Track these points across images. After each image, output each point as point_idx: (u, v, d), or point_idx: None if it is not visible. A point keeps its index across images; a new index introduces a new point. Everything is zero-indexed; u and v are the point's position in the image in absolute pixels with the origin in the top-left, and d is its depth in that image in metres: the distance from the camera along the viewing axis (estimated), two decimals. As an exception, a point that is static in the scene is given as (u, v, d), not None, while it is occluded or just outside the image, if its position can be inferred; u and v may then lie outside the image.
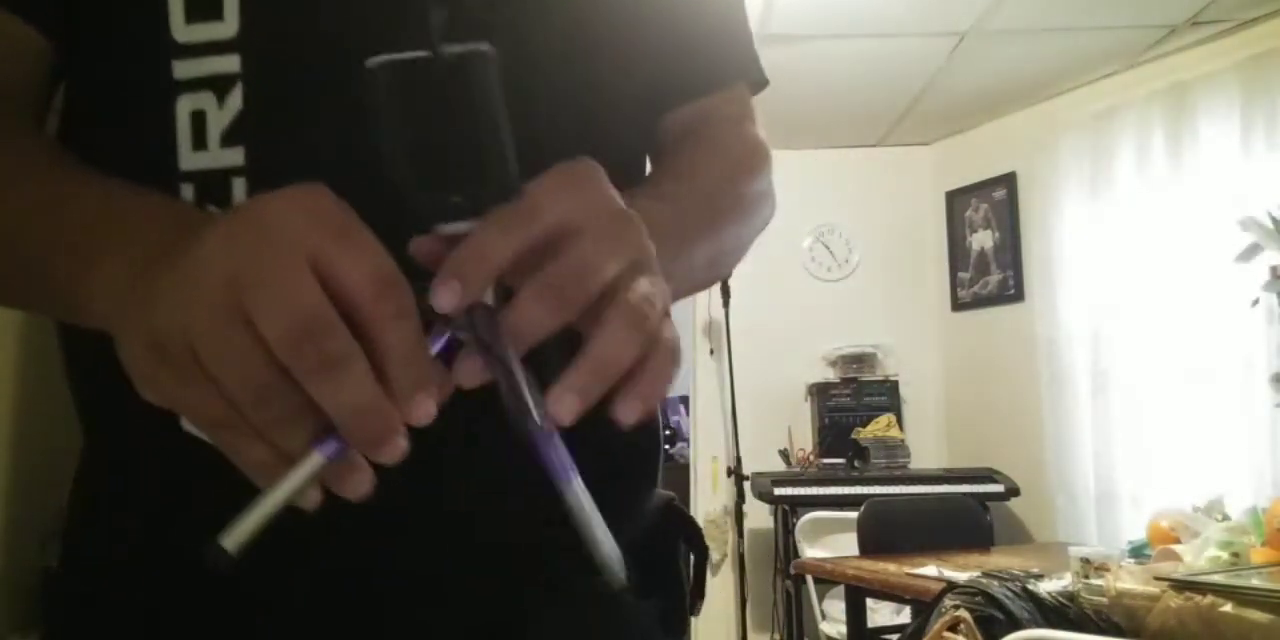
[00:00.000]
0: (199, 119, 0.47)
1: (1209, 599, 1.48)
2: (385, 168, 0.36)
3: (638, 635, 0.57)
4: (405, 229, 0.36)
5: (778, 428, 3.85)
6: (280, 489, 0.33)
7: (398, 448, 0.33)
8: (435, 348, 0.36)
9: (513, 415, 0.36)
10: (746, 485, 3.56)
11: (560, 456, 0.36)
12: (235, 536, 0.33)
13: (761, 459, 3.70)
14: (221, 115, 0.47)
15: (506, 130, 0.36)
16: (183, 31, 0.48)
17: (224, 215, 0.35)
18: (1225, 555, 1.76)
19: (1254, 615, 1.42)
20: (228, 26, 0.47)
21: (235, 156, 0.47)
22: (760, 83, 0.69)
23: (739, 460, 3.66)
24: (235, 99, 0.47)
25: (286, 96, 0.48)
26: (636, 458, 0.59)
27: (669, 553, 0.62)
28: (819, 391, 3.83)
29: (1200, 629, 1.46)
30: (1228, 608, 1.45)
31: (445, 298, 0.34)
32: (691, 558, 0.63)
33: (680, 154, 0.61)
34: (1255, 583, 1.48)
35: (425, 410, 0.33)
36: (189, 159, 0.48)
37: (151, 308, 0.34)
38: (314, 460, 0.33)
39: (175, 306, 0.33)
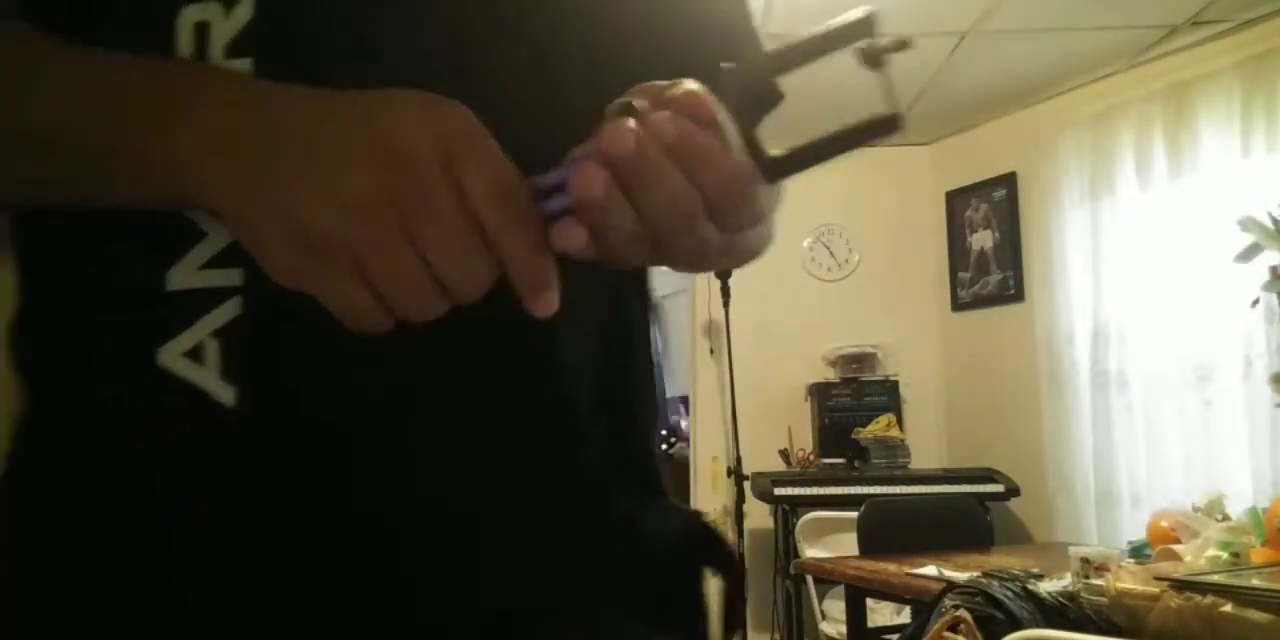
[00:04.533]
0: (202, 30, 0.44)
1: (1209, 599, 1.48)
2: None
3: None
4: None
5: (778, 428, 3.85)
6: None
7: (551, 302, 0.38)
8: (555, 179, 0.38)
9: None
10: (746, 485, 3.56)
11: None
12: None
13: (761, 459, 3.70)
14: (227, 26, 0.44)
15: None
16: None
17: (333, 103, 0.38)
18: (1225, 555, 1.76)
19: (1254, 615, 1.41)
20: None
21: (242, 67, 0.43)
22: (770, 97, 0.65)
23: (739, 460, 3.66)
24: (244, 9, 0.44)
25: (301, 4, 0.45)
26: (637, 465, 0.55)
27: (691, 580, 0.56)
28: (819, 391, 3.83)
29: (1200, 629, 1.46)
30: (1228, 608, 1.45)
31: (587, 187, 0.36)
32: (722, 584, 0.56)
33: None
34: (1255, 583, 1.48)
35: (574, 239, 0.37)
36: None
37: (299, 207, 0.36)
38: None
39: (337, 217, 0.35)
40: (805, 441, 3.84)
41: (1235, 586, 1.48)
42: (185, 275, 0.43)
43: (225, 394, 0.42)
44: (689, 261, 0.42)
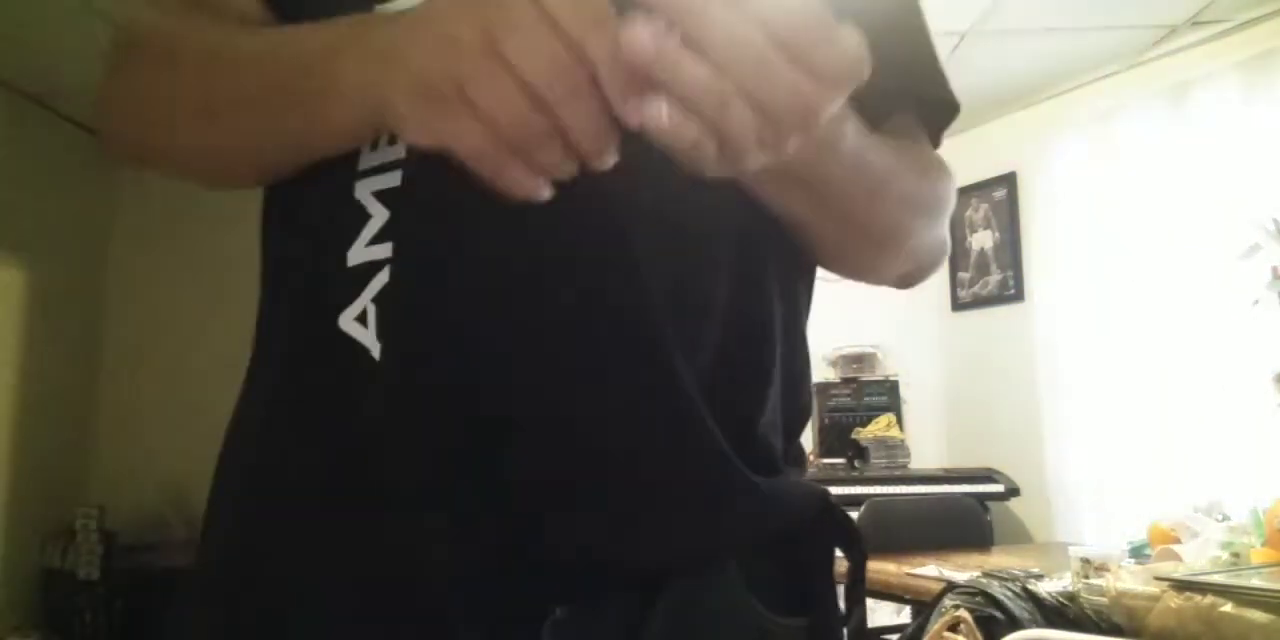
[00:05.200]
0: None
1: (1209, 599, 1.48)
2: None
3: None
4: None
5: (778, 428, 3.84)
6: None
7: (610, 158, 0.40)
8: None
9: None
10: (746, 485, 3.55)
11: None
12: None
13: (761, 459, 3.69)
14: None
15: None
16: None
17: None
18: (1225, 555, 1.76)
19: (1254, 615, 1.41)
20: None
21: None
22: (940, 103, 0.67)
23: (739, 460, 3.66)
24: None
25: None
26: (763, 445, 0.57)
27: (821, 562, 0.59)
28: (819, 391, 3.83)
29: (1200, 629, 1.46)
30: (1228, 608, 1.45)
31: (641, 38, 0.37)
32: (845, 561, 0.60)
33: None
34: (1255, 583, 1.48)
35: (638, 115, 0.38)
36: None
37: (412, 60, 0.41)
38: None
39: (439, 56, 0.39)
40: (805, 441, 3.83)
41: (1235, 586, 1.47)
42: (358, 252, 0.51)
43: (375, 350, 0.50)
44: (779, 177, 0.47)
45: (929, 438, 3.88)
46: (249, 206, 0.63)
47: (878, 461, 3.57)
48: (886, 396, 3.81)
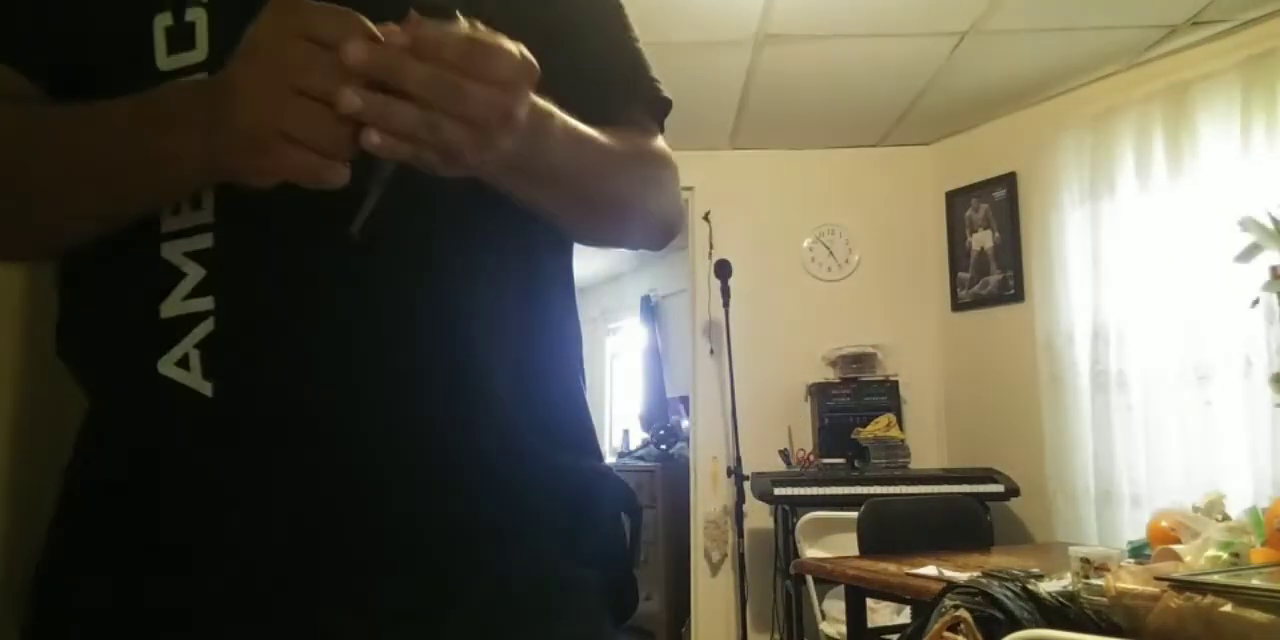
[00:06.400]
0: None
1: (1209, 599, 1.47)
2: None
3: (579, 605, 0.65)
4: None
5: (778, 428, 3.85)
6: (375, 187, 0.49)
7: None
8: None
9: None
10: (746, 485, 3.56)
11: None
12: (356, 223, 0.49)
13: (761, 459, 3.70)
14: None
15: None
16: (165, 61, 0.59)
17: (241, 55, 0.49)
18: (1225, 555, 1.76)
19: (1254, 615, 1.41)
20: (199, 53, 0.60)
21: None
22: (655, 101, 0.79)
23: (739, 460, 3.66)
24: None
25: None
26: (572, 430, 0.69)
27: (609, 524, 0.70)
28: (819, 391, 3.83)
29: (1200, 629, 1.46)
30: (1228, 608, 1.45)
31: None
32: (628, 524, 0.72)
33: None
34: (1255, 583, 1.48)
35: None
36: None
37: (234, 122, 0.48)
38: (389, 167, 0.49)
39: (255, 111, 0.47)
40: (805, 441, 3.84)
41: (1235, 586, 1.47)
42: (173, 305, 0.58)
43: (205, 389, 0.57)
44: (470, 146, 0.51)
45: (929, 438, 3.89)
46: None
47: (878, 461, 3.57)
48: (886, 396, 3.81)
